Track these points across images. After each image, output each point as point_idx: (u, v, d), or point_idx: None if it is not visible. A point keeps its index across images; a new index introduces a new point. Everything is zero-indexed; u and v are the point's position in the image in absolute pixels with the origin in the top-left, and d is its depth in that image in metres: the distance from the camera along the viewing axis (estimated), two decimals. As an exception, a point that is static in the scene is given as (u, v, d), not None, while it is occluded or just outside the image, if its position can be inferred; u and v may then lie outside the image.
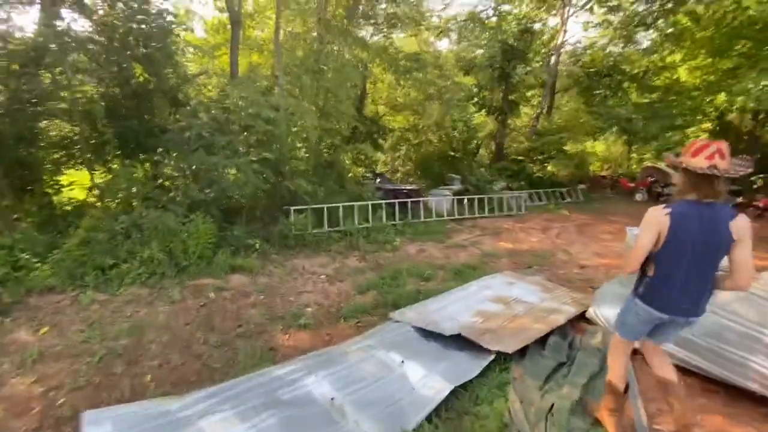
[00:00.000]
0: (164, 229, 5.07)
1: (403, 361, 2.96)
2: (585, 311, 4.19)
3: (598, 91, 11.98)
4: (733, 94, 9.64)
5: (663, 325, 2.20)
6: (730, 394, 2.78)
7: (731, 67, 10.74)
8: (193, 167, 5.52)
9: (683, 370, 2.88)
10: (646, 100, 12.33)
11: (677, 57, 13.64)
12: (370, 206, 7.87)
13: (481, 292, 4.67)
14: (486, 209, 9.69)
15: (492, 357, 3.03)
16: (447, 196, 9.16)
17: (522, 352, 3.21)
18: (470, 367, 2.92)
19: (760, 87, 9.29)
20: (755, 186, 13.66)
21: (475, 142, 11.35)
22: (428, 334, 3.54)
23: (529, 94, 12.50)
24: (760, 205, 11.05)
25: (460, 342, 3.35)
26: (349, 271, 5.76)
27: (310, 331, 3.92)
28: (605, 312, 3.93)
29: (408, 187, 8.89)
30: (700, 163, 1.90)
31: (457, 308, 4.13)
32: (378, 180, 9.04)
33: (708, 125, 14.10)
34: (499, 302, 4.34)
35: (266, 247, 6.25)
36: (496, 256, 6.80)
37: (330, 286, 5.20)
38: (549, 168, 12.16)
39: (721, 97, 11.60)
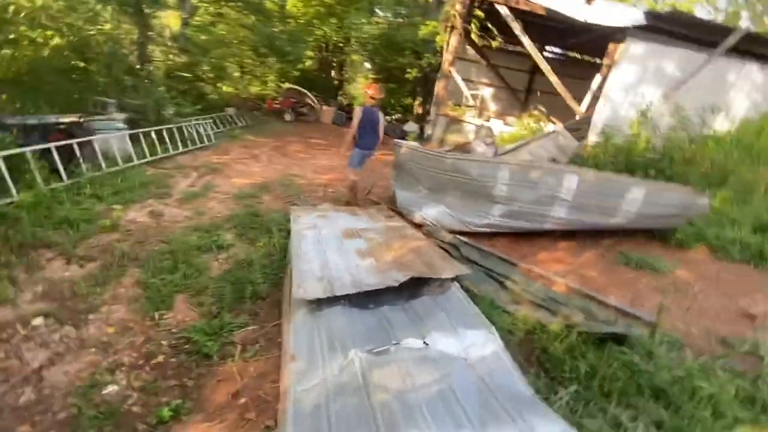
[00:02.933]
0: None
1: (425, 342, 2.24)
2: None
3: (234, 4, 11.08)
4: (344, 27, 12.05)
5: (362, 156, 5.15)
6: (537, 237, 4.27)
7: (332, 2, 13.16)
8: None
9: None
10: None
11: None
12: (2, 164, 4.01)
13: (321, 233, 3.99)
14: (179, 144, 7.47)
15: (454, 285, 2.91)
16: (122, 130, 6.12)
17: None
18: (459, 306, 2.68)
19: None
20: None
21: (110, 47, 7.65)
22: (354, 302, 2.77)
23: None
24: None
25: (389, 293, 2.91)
26: (91, 290, 3.03)
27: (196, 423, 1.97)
28: (428, 213, 4.58)
29: (66, 120, 5.08)
30: (371, 91, 5.05)
31: (334, 257, 3.36)
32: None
33: (311, 53, 17.11)
34: (353, 236, 3.94)
35: None
36: (250, 195, 5.74)
37: (111, 331, 2.61)
38: (225, 89, 10.63)
39: (324, 28, 14.14)
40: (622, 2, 11.19)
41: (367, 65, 23.69)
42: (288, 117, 13.92)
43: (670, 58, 8.96)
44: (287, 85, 15.00)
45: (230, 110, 11.41)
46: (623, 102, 9.42)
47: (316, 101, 14.54)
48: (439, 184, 4.73)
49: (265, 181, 6.57)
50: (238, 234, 4.27)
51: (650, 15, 8.59)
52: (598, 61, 14.02)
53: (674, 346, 2.19)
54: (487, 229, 4.15)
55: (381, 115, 5.08)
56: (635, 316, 2.60)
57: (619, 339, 2.14)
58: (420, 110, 18.14)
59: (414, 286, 2.94)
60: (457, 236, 4.08)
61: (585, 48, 13.74)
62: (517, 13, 9.13)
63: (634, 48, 8.88)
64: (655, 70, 9.11)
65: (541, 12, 9.12)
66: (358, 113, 4.96)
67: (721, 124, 8.53)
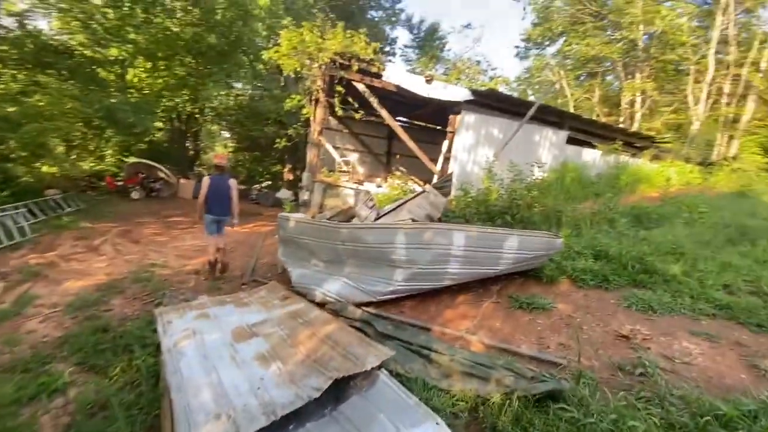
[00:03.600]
0: None
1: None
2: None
3: (55, 71, 9.16)
4: (200, 98, 11.41)
5: (216, 222, 5.34)
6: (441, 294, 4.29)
7: (184, 75, 12.38)
8: None
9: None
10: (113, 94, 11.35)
11: (114, 52, 13.43)
12: None
13: (205, 341, 3.25)
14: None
15: (382, 374, 2.61)
16: None
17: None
18: (395, 399, 2.38)
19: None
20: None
21: None
22: (269, 427, 2.24)
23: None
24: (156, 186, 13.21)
25: (310, 403, 2.47)
26: None
27: None
28: (329, 288, 4.27)
29: None
30: (217, 160, 5.52)
31: (229, 375, 2.72)
32: None
33: (161, 124, 15.49)
34: (248, 337, 3.33)
35: None
36: (93, 302, 4.46)
37: None
38: (45, 169, 8.19)
39: (176, 99, 13.18)
40: (448, 82, 13.83)
41: (225, 134, 22.80)
42: (136, 195, 11.97)
43: (494, 125, 11.13)
44: (132, 159, 13.05)
45: (53, 192, 9.15)
46: (468, 161, 11.16)
47: (171, 174, 12.98)
48: (336, 256, 4.51)
49: (113, 280, 5.26)
50: (81, 363, 3.15)
51: (474, 92, 10.67)
52: (440, 128, 16.55)
53: (592, 387, 2.35)
54: (393, 296, 4.06)
55: (232, 182, 5.38)
56: (551, 361, 2.76)
57: (554, 394, 2.20)
58: (291, 177, 18.05)
59: (337, 385, 2.56)
60: (366, 310, 3.87)
61: (429, 118, 16.05)
62: (373, 89, 10.18)
63: (468, 118, 10.76)
64: (486, 135, 11.16)
65: (393, 89, 10.38)
66: (206, 182, 5.27)
67: (537, 174, 10.81)
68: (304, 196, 15.48)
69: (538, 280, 4.60)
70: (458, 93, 10.56)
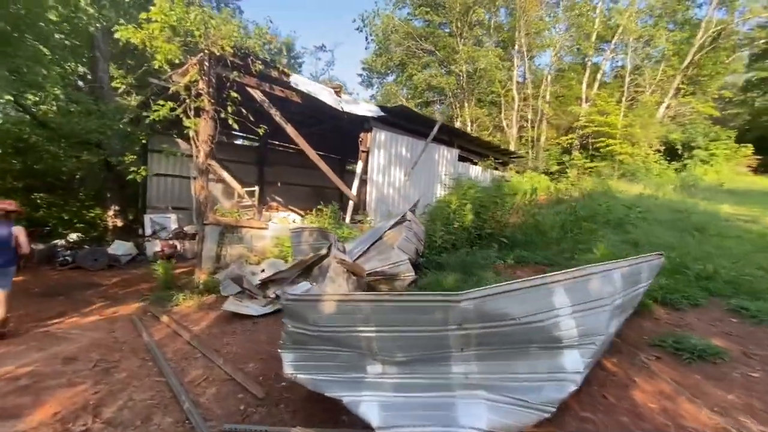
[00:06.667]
0: None
1: None
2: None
3: None
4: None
5: None
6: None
7: None
8: None
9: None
10: None
11: None
12: None
13: None
14: None
15: None
16: None
17: None
18: None
19: None
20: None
21: None
22: None
23: None
24: None
25: None
26: None
27: None
28: (475, 420, 2.33)
29: None
30: (4, 205, 4.62)
31: None
32: None
33: None
34: None
35: None
36: None
37: None
38: None
39: None
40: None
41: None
42: None
43: (402, 144, 10.43)
44: None
45: None
46: (383, 183, 10.07)
47: None
48: (436, 349, 2.58)
49: None
50: None
51: (383, 108, 9.77)
52: (332, 156, 14.99)
53: None
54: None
55: (18, 229, 4.76)
56: None
57: None
58: (120, 223, 12.94)
59: None
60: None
61: (319, 141, 14.17)
62: (272, 97, 7.97)
63: (380, 135, 9.72)
64: (396, 154, 10.34)
65: (297, 99, 8.41)
66: None
67: (440, 191, 10.61)
68: (155, 247, 11.40)
69: (635, 313, 3.79)
70: (369, 108, 9.42)
